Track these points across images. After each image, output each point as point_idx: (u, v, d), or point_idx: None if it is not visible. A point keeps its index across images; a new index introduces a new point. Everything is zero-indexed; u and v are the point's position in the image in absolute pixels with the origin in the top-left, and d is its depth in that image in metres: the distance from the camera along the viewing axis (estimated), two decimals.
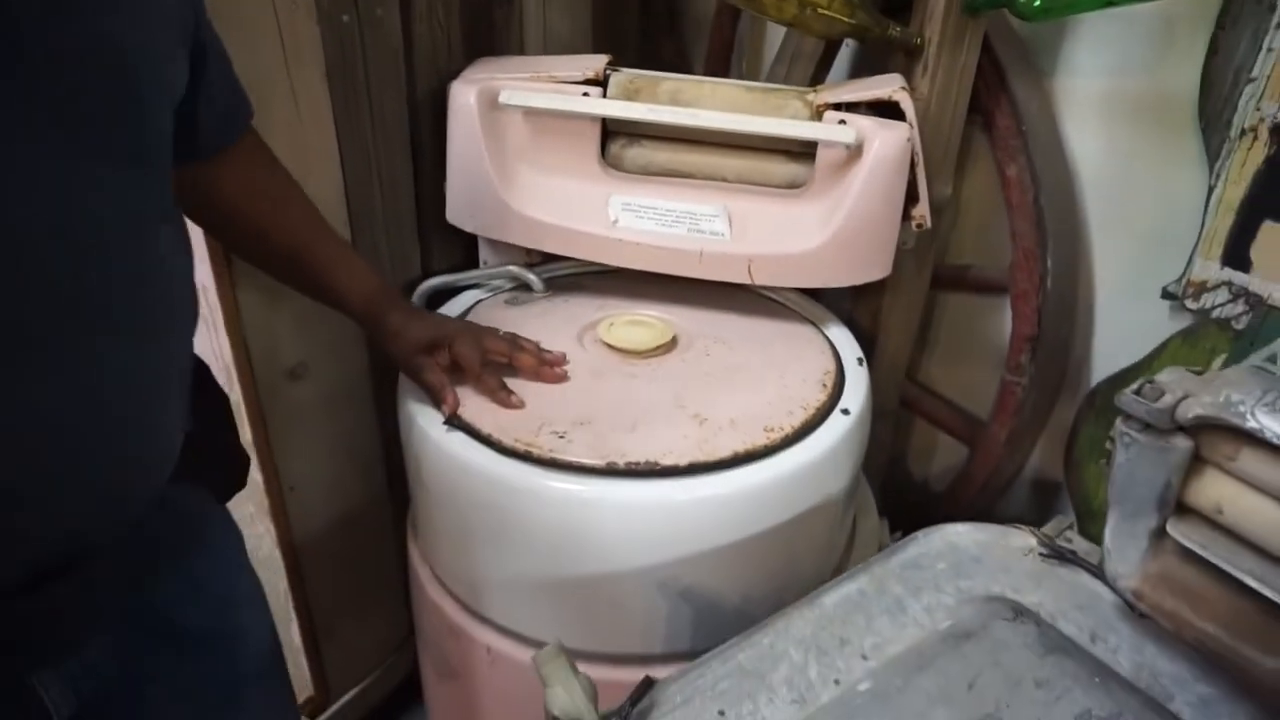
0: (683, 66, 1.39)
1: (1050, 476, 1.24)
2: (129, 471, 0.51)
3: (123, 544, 0.53)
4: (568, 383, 0.83)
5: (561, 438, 0.74)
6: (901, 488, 1.42)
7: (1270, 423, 0.52)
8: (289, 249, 0.76)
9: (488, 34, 1.09)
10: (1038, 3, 0.86)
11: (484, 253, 1.05)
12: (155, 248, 0.51)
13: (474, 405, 0.79)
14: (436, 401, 0.80)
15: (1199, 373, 0.59)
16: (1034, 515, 1.31)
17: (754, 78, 1.30)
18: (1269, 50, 0.87)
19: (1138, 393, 0.57)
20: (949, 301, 1.28)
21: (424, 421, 0.79)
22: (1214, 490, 0.57)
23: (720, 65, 1.29)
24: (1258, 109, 0.89)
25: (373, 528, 1.21)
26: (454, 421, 0.78)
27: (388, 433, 1.16)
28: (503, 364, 0.82)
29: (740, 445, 0.74)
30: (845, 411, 0.81)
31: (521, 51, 1.13)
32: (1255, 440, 0.53)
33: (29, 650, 0.51)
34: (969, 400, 1.25)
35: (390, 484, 1.20)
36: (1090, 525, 1.10)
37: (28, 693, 0.51)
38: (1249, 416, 0.53)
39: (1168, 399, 0.56)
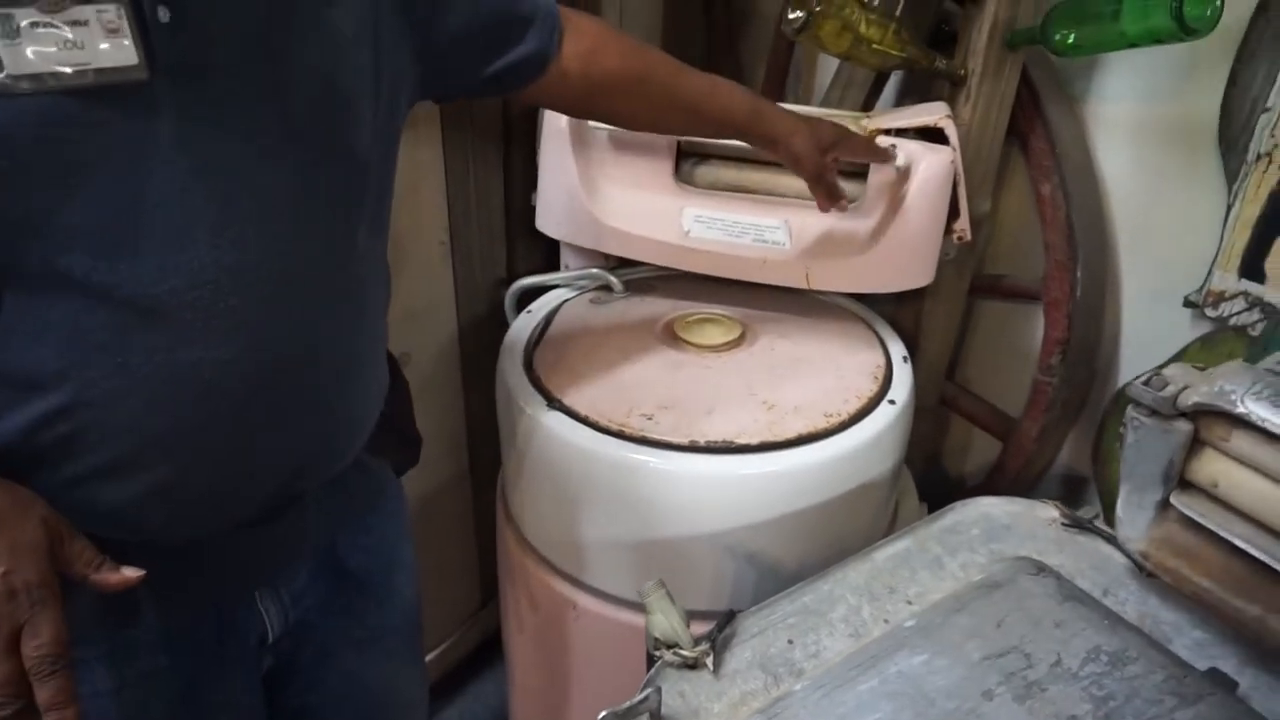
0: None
1: (1079, 471, 1.34)
2: (340, 426, 0.64)
3: (328, 492, 0.66)
4: (651, 373, 0.95)
5: (649, 419, 0.86)
6: (940, 483, 1.52)
7: (1256, 408, 0.62)
8: (658, 112, 0.81)
9: None
10: (1070, 41, 0.96)
11: (565, 257, 1.18)
12: (358, 245, 0.61)
13: (571, 389, 0.91)
14: (836, 204, 0.88)
15: (1201, 368, 0.70)
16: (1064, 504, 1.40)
17: (808, 102, 1.41)
18: None
19: (1146, 383, 0.67)
20: (986, 308, 1.38)
21: (526, 403, 0.91)
22: (1211, 467, 0.67)
23: (777, 89, 1.40)
24: (1272, 136, 0.98)
25: (455, 504, 1.34)
26: (555, 402, 0.90)
27: (472, 415, 1.29)
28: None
29: (804, 428, 0.86)
30: (892, 402, 0.92)
31: None
32: (1245, 424, 0.63)
33: (255, 574, 0.64)
34: (1003, 399, 1.35)
35: (472, 462, 1.33)
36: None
37: (254, 607, 0.65)
38: (1239, 403, 0.63)
39: (1171, 389, 0.66)
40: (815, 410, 0.89)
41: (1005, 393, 1.35)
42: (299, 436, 0.60)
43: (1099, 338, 1.24)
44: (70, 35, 0.44)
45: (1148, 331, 1.19)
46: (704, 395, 0.91)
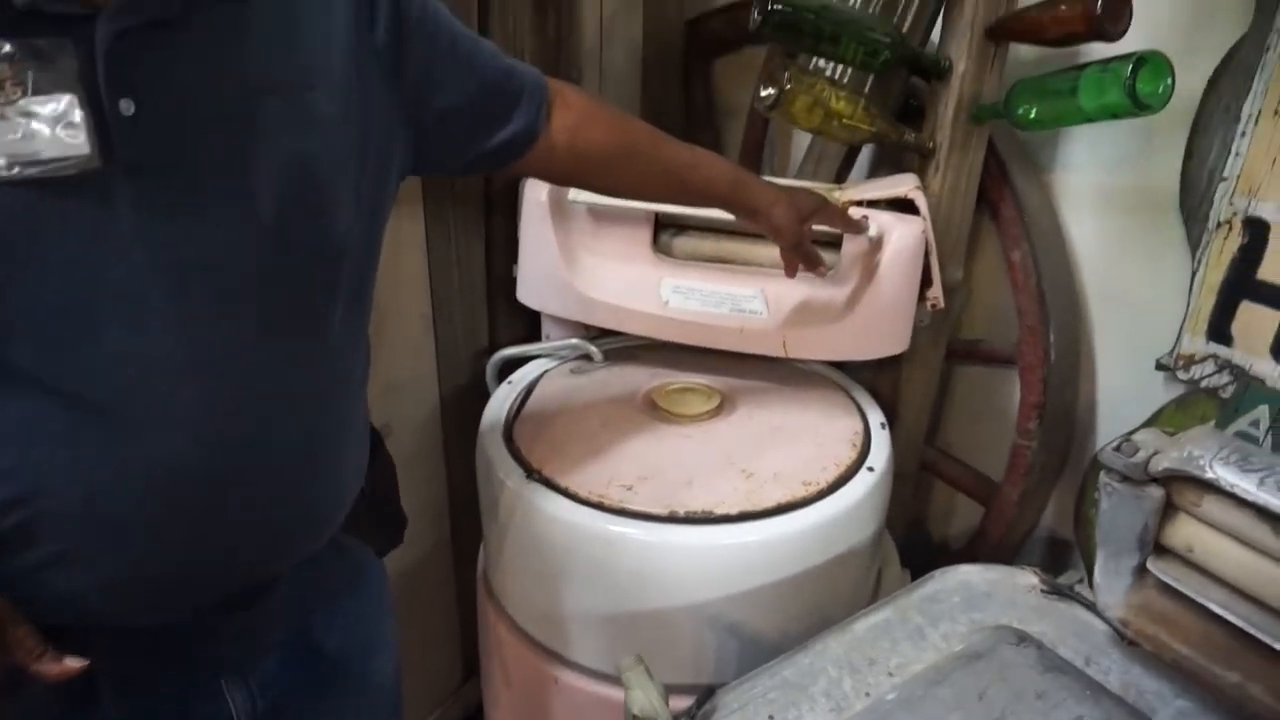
0: None
1: (1062, 535, 1.34)
2: (310, 511, 0.63)
3: (301, 576, 0.65)
4: (630, 443, 0.95)
5: (629, 490, 0.86)
6: (923, 548, 1.51)
7: (1225, 474, 0.63)
8: (642, 183, 0.82)
9: None
10: (1032, 115, 0.99)
11: (547, 327, 1.19)
12: (332, 328, 0.61)
13: (551, 460, 0.91)
14: (815, 270, 0.93)
15: (1171, 433, 0.71)
16: (1047, 571, 1.39)
17: (783, 173, 1.45)
18: (1237, 155, 1.00)
19: (1117, 449, 0.68)
20: (963, 373, 1.39)
21: (506, 474, 0.91)
22: (1184, 532, 0.68)
23: (753, 161, 1.44)
24: (1231, 204, 1.01)
25: (436, 577, 1.32)
26: (534, 474, 0.90)
27: (454, 487, 1.29)
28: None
29: (783, 496, 0.86)
30: (871, 469, 0.93)
31: None
32: (1214, 489, 0.64)
33: (222, 662, 0.63)
34: (983, 463, 1.36)
35: (454, 534, 1.32)
36: None
37: (220, 697, 0.63)
38: (1207, 468, 0.64)
39: (1142, 454, 0.67)
40: (794, 478, 0.89)
41: (986, 457, 1.35)
42: (264, 524, 0.59)
43: (1075, 401, 1.25)
44: (23, 126, 0.44)
45: (1123, 394, 1.20)
46: (684, 465, 0.91)
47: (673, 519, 0.84)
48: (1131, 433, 1.14)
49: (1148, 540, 0.69)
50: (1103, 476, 0.69)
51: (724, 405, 1.03)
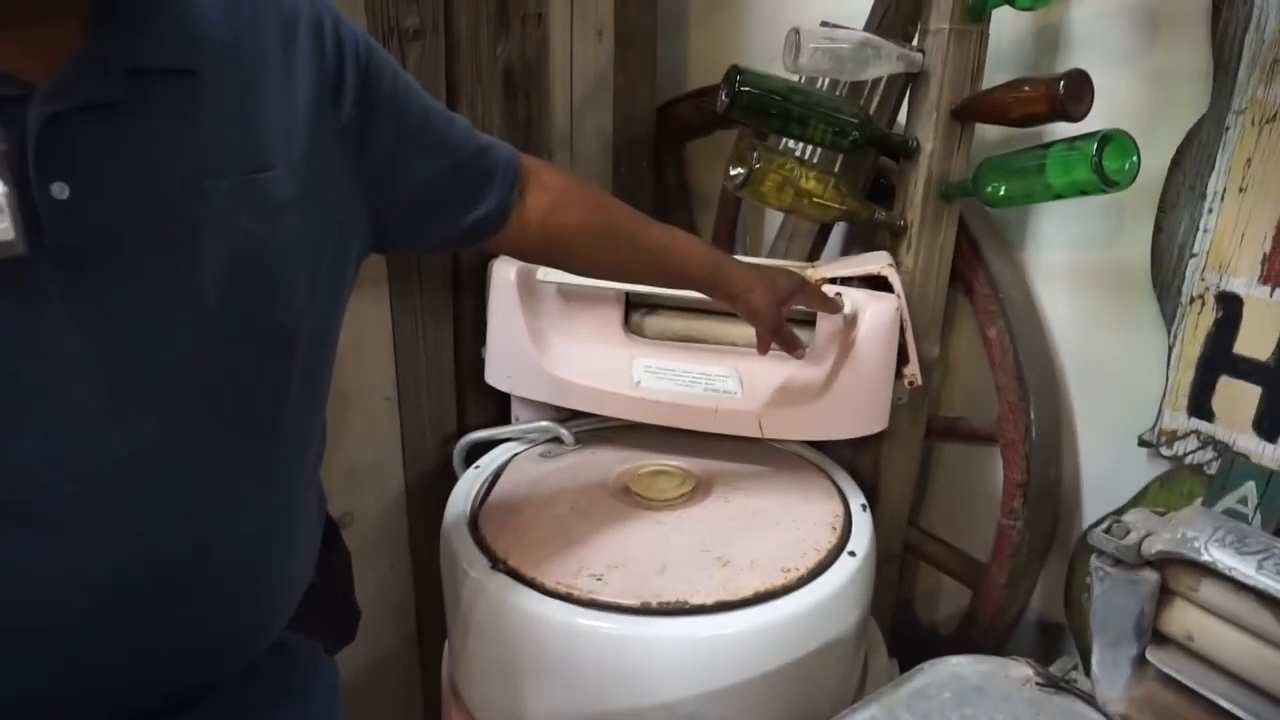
0: None
1: (1053, 618, 1.29)
2: (251, 612, 0.58)
3: (242, 680, 0.60)
4: (601, 530, 0.91)
5: (599, 580, 0.82)
6: (911, 632, 1.46)
7: (1222, 556, 0.60)
8: (617, 264, 0.81)
9: None
10: (1001, 193, 1.00)
11: (517, 409, 1.16)
12: (282, 417, 0.56)
13: (517, 549, 0.87)
14: (794, 352, 0.90)
15: (1162, 513, 0.68)
16: (1040, 656, 1.31)
17: (756, 251, 1.45)
18: (1205, 231, 1.00)
19: (1107, 531, 0.65)
20: (946, 451, 1.37)
21: (470, 565, 0.86)
22: (1183, 619, 0.64)
23: (726, 240, 1.44)
24: (1202, 279, 1.01)
25: (401, 674, 1.25)
26: (499, 564, 0.85)
27: (420, 578, 1.23)
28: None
29: (761, 585, 0.82)
30: (852, 553, 0.89)
31: None
32: (1212, 572, 0.61)
33: None
34: (970, 544, 1.32)
35: (420, 629, 1.26)
36: None
37: None
38: (1203, 551, 0.61)
39: (1133, 536, 0.64)
40: (772, 565, 0.85)
41: (971, 537, 1.32)
42: (202, 631, 0.55)
43: (1060, 479, 1.22)
44: None
45: (1107, 471, 1.18)
46: (656, 552, 0.87)
47: (645, 610, 0.79)
48: (1120, 512, 1.12)
49: (1145, 628, 0.65)
50: (1094, 560, 0.66)
51: (699, 489, 0.99)
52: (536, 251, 0.77)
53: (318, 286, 0.56)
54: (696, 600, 0.80)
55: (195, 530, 0.52)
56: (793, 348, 0.90)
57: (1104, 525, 0.65)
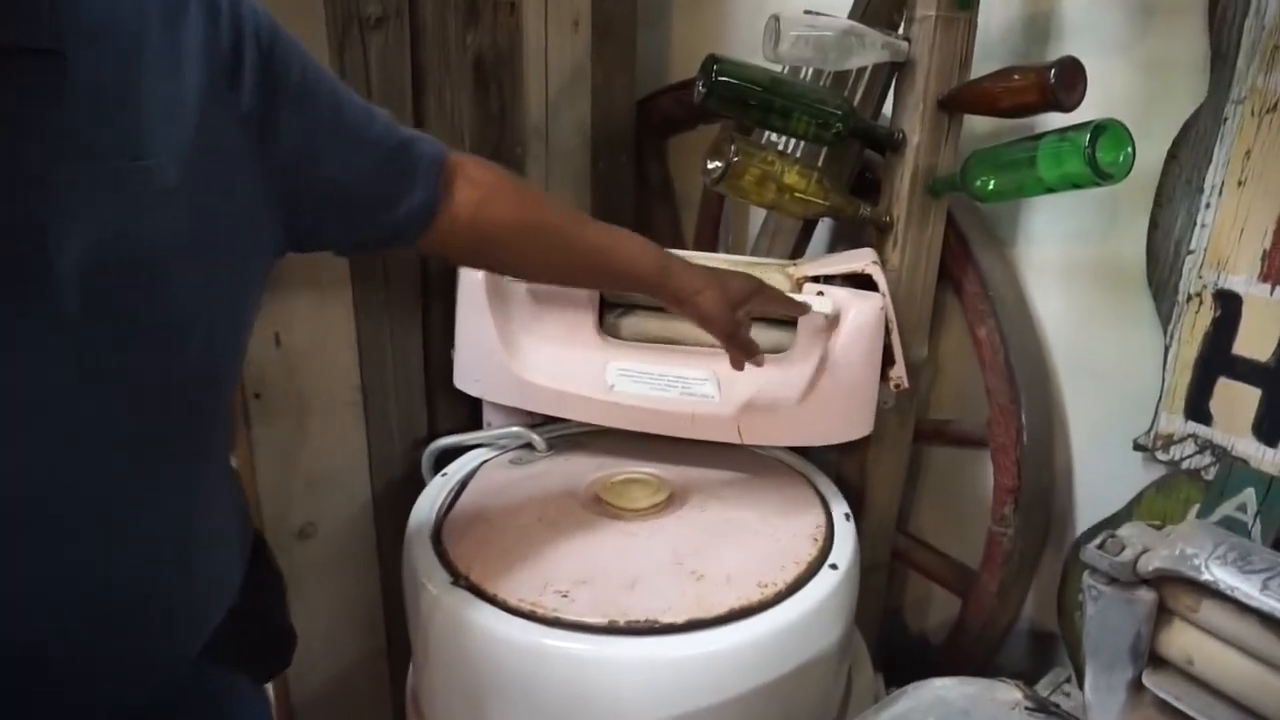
0: (675, 235, 1.49)
1: (1046, 627, 1.25)
2: (153, 647, 0.53)
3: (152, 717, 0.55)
4: (570, 542, 0.86)
5: (564, 597, 0.77)
6: (899, 641, 1.42)
7: (1224, 575, 0.56)
8: (552, 263, 0.76)
9: None
10: (990, 187, 0.95)
11: (488, 415, 1.11)
12: (176, 433, 0.51)
13: (480, 562, 0.82)
14: (751, 359, 0.83)
15: (1159, 526, 0.64)
16: (1032, 666, 1.30)
17: (740, 249, 1.40)
18: (1203, 226, 0.96)
19: (1100, 547, 0.61)
20: (936, 455, 1.33)
21: (429, 579, 0.82)
22: (1182, 641, 0.60)
23: (709, 237, 1.40)
24: (1200, 277, 0.97)
25: (370, 687, 1.21)
26: (460, 579, 0.81)
27: (389, 591, 1.18)
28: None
29: (736, 601, 0.77)
30: (834, 566, 0.84)
31: None
32: (1213, 592, 0.57)
33: None
34: (961, 551, 1.28)
35: (389, 642, 1.21)
36: None
37: None
38: (1204, 569, 0.57)
39: (1128, 553, 0.60)
40: (749, 580, 0.80)
41: (962, 543, 1.28)
42: (93, 670, 0.50)
43: (1052, 484, 1.18)
44: None
45: (1101, 476, 1.14)
46: (627, 566, 0.82)
47: (612, 629, 0.75)
48: (1112, 520, 1.08)
49: (1141, 651, 0.61)
50: (1086, 578, 0.61)
51: (674, 498, 0.95)
52: (468, 251, 0.73)
53: (212, 283, 0.51)
54: (667, 618, 0.75)
55: (82, 560, 0.47)
56: (749, 354, 0.84)
57: (1097, 540, 0.61)
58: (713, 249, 1.40)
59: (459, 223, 0.68)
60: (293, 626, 0.73)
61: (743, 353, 0.83)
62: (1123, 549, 0.60)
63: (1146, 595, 0.59)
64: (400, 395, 1.12)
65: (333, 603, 1.10)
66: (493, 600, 0.78)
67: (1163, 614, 0.60)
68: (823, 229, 1.31)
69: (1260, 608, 0.53)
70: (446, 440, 1.07)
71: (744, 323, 0.82)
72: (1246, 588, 0.54)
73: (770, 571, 0.82)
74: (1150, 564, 0.58)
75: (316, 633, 1.08)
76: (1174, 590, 0.59)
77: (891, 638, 1.42)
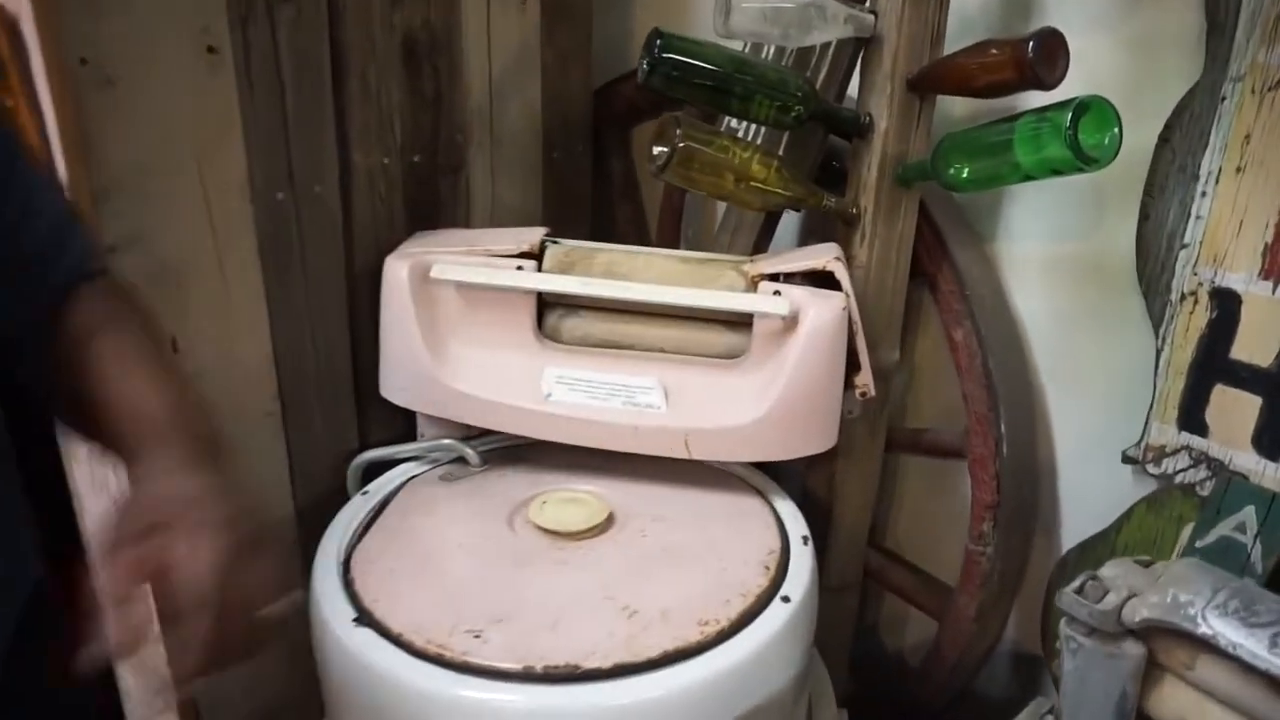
0: (638, 232, 1.41)
1: (1029, 650, 1.17)
2: None
3: None
4: (491, 572, 0.77)
5: (477, 637, 0.68)
6: (873, 663, 1.33)
7: (1224, 629, 0.47)
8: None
9: (433, 206, 1.10)
10: (964, 175, 0.87)
11: (422, 425, 1.02)
12: None
13: (389, 596, 0.73)
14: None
15: (1147, 563, 0.55)
16: (1015, 691, 1.22)
17: (703, 244, 1.31)
18: (1198, 218, 0.88)
19: (1079, 591, 0.52)
20: (911, 464, 1.24)
21: (329, 613, 0.73)
22: (1176, 703, 0.51)
23: (671, 232, 1.31)
24: (1194, 274, 0.89)
25: None
26: (364, 616, 0.72)
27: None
28: None
29: (670, 643, 0.68)
30: (786, 599, 0.75)
31: (468, 223, 1.15)
32: (1211, 648, 0.48)
33: None
34: (938, 567, 1.20)
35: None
36: None
37: None
38: (1200, 620, 0.48)
39: (1112, 598, 0.51)
40: (687, 616, 0.71)
41: (939, 559, 1.20)
42: None
43: (1035, 499, 1.10)
44: None
45: (1088, 490, 1.06)
46: (551, 600, 0.73)
47: (528, 676, 0.65)
48: (1099, 538, 0.99)
49: (1128, 711, 0.52)
50: (1064, 628, 0.53)
51: (614, 519, 0.86)
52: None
53: None
54: (591, 663, 0.66)
55: None
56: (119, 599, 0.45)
57: (1075, 583, 0.52)
58: (675, 245, 1.31)
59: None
60: (90, 685, 0.58)
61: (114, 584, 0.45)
62: (1105, 594, 0.51)
63: (1133, 649, 0.50)
64: (326, 403, 1.03)
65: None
66: (397, 641, 0.69)
67: (1153, 670, 0.51)
68: (792, 224, 1.23)
69: (1269, 669, 0.44)
70: (374, 453, 0.98)
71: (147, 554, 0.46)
72: (1251, 644, 0.45)
73: (713, 606, 0.73)
74: (1138, 613, 0.50)
75: (234, 672, 0.99)
76: (1166, 643, 0.50)
77: (867, 656, 1.33)
